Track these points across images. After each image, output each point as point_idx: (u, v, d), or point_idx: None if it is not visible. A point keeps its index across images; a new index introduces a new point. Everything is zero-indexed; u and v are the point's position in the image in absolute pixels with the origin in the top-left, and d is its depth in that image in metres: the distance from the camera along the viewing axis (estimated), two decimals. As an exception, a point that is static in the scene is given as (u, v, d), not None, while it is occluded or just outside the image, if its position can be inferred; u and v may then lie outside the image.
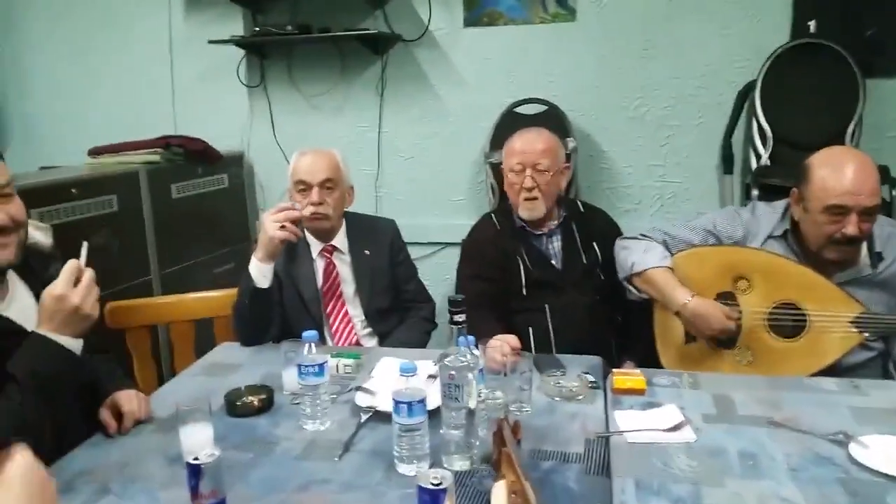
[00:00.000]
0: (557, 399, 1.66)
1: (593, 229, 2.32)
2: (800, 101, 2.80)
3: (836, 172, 1.81)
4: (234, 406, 1.61)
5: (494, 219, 2.36)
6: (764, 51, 2.85)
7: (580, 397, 1.66)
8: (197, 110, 3.53)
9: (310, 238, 2.27)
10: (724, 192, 3.07)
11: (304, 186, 2.21)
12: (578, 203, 2.44)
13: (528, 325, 2.19)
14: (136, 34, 3.57)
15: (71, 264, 1.36)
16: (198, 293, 2.31)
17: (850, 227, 1.80)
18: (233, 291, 2.10)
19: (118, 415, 1.55)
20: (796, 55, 2.81)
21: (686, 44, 3.03)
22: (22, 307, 1.49)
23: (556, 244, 2.29)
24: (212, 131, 3.34)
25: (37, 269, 1.59)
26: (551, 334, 2.19)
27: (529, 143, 2.23)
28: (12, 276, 1.51)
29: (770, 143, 2.82)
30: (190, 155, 3.13)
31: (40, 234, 1.48)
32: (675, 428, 1.47)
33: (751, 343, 1.97)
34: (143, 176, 2.89)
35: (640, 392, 1.66)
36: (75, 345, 1.36)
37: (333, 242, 2.29)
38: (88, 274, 1.38)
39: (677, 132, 3.11)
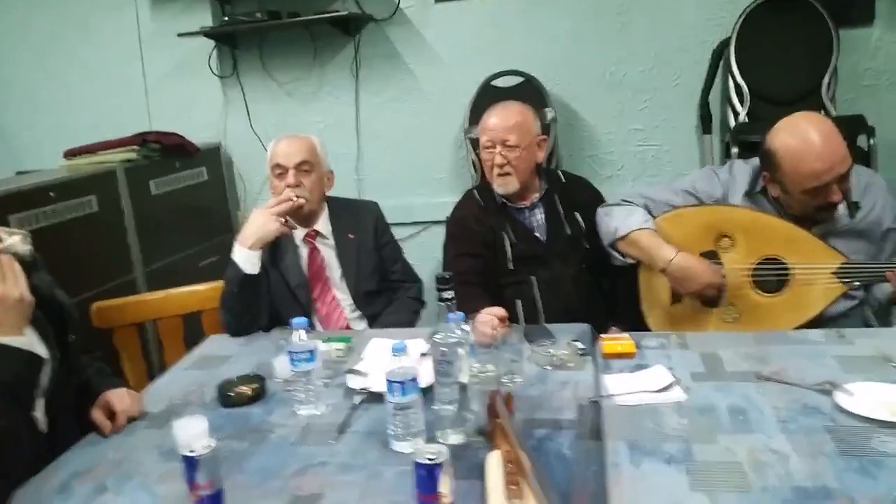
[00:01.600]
0: (548, 368, 1.67)
1: (575, 199, 2.32)
2: (775, 56, 2.80)
3: (806, 156, 1.79)
4: (227, 396, 1.61)
5: (477, 195, 2.35)
6: (737, 7, 2.85)
7: (570, 365, 1.67)
8: (171, 104, 3.50)
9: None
10: (703, 151, 3.08)
11: (280, 170, 2.21)
12: (560, 173, 2.44)
13: (517, 298, 2.20)
14: (104, 32, 3.52)
15: None
16: (184, 287, 2.30)
17: (834, 196, 1.82)
18: (219, 284, 2.09)
19: (111, 414, 1.55)
20: (769, 10, 2.80)
21: (659, 5, 3.02)
22: None
23: (539, 217, 2.29)
24: (187, 125, 3.32)
25: None
26: (539, 305, 2.20)
27: (498, 120, 2.21)
28: None
29: (747, 99, 2.82)
30: (167, 150, 3.11)
31: (18, 241, 1.45)
32: (665, 388, 1.48)
33: (736, 300, 1.98)
34: (120, 174, 2.87)
35: (629, 356, 1.68)
36: (26, 342, 1.36)
37: (316, 227, 2.29)
38: (5, 260, 1.36)
39: (655, 95, 3.10)
